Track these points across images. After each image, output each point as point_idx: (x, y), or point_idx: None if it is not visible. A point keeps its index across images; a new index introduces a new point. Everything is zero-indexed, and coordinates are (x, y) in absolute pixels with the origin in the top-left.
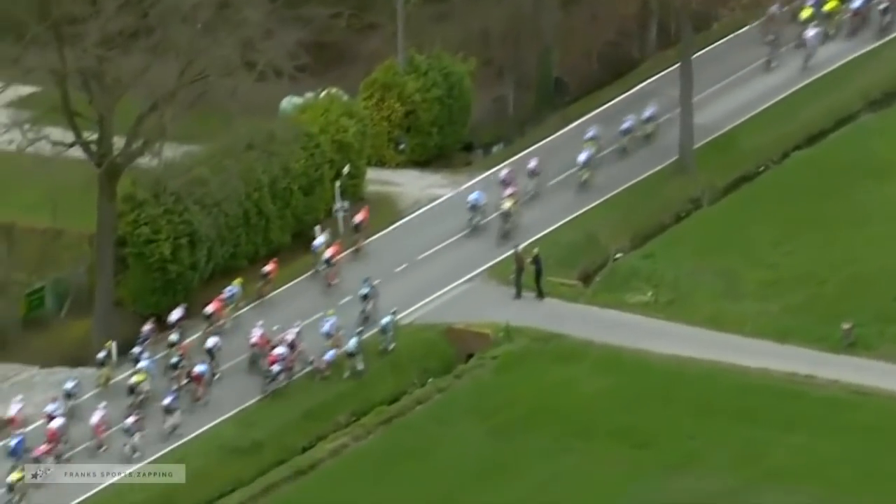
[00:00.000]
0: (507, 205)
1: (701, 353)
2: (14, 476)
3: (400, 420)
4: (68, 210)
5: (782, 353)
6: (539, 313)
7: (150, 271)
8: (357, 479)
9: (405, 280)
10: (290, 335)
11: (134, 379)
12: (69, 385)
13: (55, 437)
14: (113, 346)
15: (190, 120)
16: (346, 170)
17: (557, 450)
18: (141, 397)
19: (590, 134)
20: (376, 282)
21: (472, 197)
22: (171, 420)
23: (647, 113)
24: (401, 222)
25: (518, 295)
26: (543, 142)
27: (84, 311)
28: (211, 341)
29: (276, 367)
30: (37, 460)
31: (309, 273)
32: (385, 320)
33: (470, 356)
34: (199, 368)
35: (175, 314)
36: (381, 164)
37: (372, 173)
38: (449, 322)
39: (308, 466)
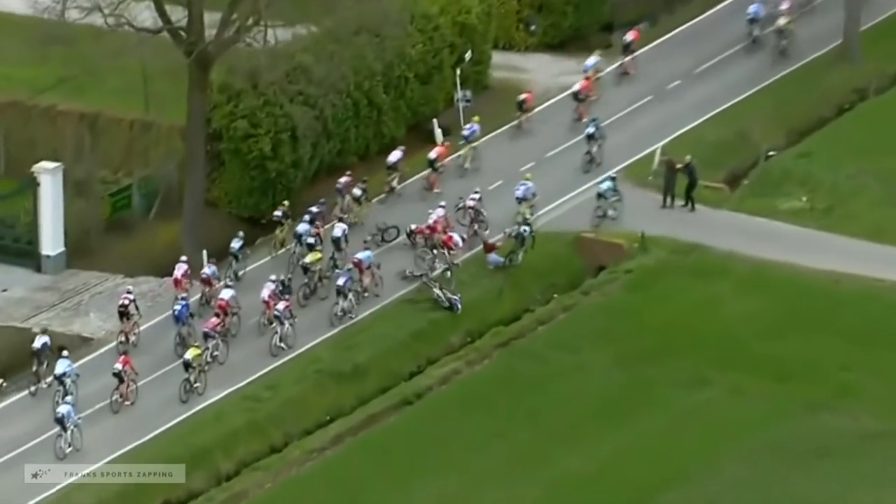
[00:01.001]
0: (782, 21)
1: (860, 269)
2: (192, 353)
3: (519, 343)
4: (159, 98)
5: None
6: (679, 221)
7: (247, 169)
8: (469, 410)
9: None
10: (470, 202)
11: (308, 258)
12: (235, 245)
13: (226, 309)
14: (285, 206)
15: (290, 2)
16: (468, 55)
17: (693, 381)
18: (315, 279)
19: None
20: (604, 123)
21: (752, 9)
22: (343, 303)
23: None
24: (530, 114)
25: (666, 205)
26: (695, 20)
27: (175, 213)
28: (339, 229)
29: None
30: (207, 336)
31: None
32: (603, 186)
33: (600, 269)
34: (361, 255)
35: (393, 156)
36: (509, 47)
37: (498, 57)
38: (578, 230)
39: (415, 395)
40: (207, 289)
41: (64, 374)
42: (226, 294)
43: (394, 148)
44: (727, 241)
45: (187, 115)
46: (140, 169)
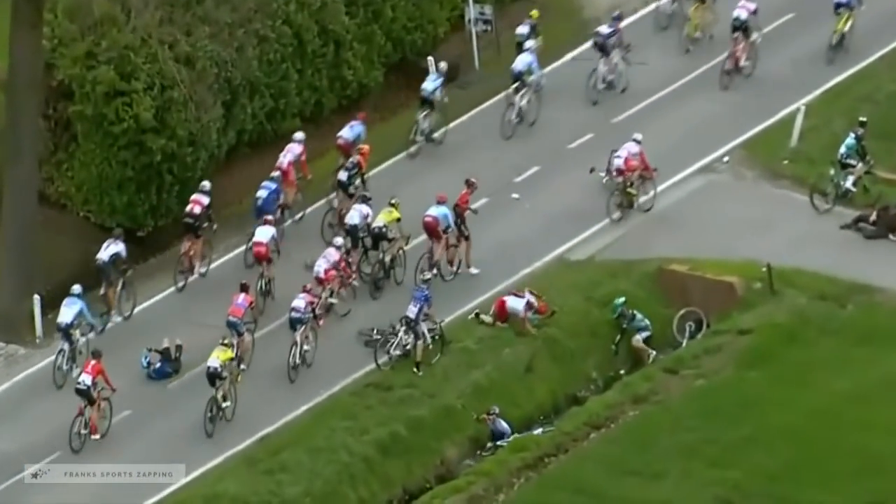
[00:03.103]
0: None
1: None
2: (221, 355)
3: (558, 463)
4: None
5: None
6: (829, 242)
7: (115, 148)
8: None
9: (583, 175)
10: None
11: (382, 218)
12: (430, 84)
13: (268, 257)
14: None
15: None
16: None
17: None
18: (393, 253)
19: None
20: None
21: None
22: (406, 337)
23: None
24: (582, 47)
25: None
26: None
27: None
28: (356, 213)
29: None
30: (233, 326)
31: None
32: (843, 147)
33: (697, 326)
34: (434, 211)
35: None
36: None
37: None
38: (660, 256)
39: None
40: (346, 160)
41: (71, 325)
42: (263, 235)
43: (357, 102)
44: None
45: (10, 61)
46: None
